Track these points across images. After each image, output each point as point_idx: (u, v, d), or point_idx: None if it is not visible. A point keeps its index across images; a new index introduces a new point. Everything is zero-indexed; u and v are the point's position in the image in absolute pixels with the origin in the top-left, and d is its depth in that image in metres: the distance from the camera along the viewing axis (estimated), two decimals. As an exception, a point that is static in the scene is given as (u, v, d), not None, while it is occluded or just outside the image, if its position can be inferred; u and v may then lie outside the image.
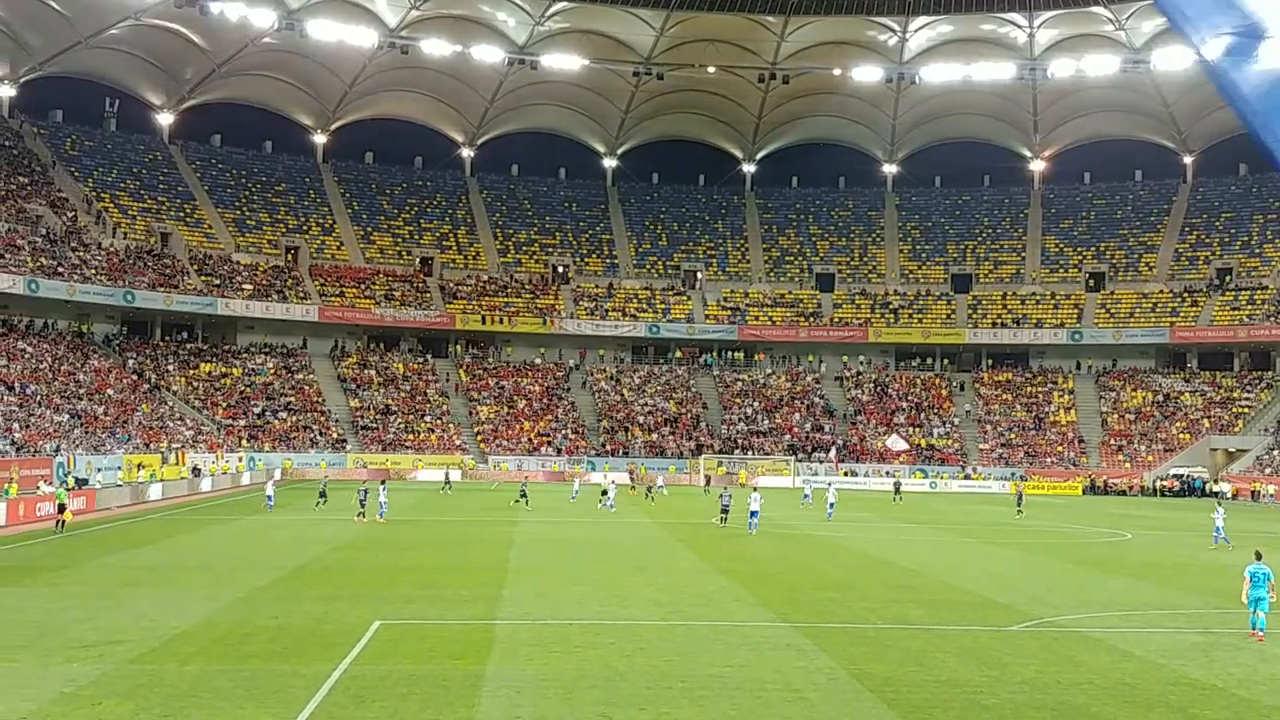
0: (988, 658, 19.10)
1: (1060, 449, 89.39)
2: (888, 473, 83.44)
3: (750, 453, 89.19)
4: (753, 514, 43.29)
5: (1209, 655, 19.77)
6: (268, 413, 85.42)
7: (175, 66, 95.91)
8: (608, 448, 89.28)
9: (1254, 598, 21.42)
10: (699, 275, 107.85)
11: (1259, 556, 22.34)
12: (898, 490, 69.45)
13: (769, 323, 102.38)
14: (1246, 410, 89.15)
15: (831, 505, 51.48)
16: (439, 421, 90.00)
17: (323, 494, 51.86)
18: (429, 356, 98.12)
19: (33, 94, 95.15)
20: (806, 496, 62.47)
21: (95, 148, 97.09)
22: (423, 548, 35.46)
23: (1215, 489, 77.13)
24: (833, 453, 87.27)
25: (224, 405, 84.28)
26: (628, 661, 18.16)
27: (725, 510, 45.18)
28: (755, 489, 54.03)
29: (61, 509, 39.89)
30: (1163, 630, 22.55)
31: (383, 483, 47.26)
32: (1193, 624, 23.32)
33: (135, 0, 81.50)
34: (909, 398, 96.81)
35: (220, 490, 64.53)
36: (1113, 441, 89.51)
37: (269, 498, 51.21)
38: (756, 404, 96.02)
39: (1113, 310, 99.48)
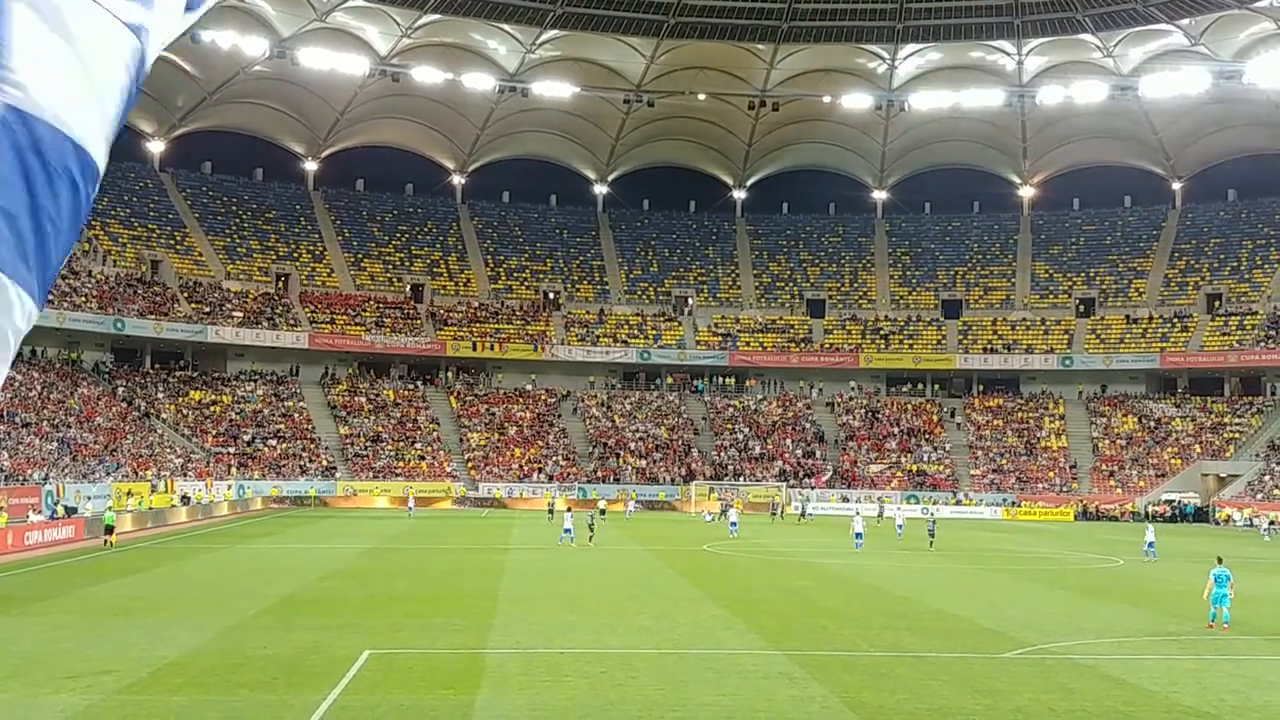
0: (980, 685, 19.04)
1: (1052, 475, 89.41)
2: (879, 499, 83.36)
3: (742, 478, 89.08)
4: (858, 535, 46.49)
5: (1201, 682, 19.74)
6: (257, 440, 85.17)
7: (166, 94, 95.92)
8: (599, 474, 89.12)
9: (1218, 595, 25.50)
10: (690, 301, 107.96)
11: (1220, 560, 26.57)
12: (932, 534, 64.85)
13: (760, 348, 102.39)
14: (1238, 435, 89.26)
15: (931, 531, 51.57)
16: (429, 449, 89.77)
17: (551, 510, 60.27)
18: (419, 383, 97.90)
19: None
20: (900, 526, 58.54)
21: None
22: (413, 576, 35.32)
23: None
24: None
25: (214, 433, 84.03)
26: (619, 691, 18.07)
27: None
28: (860, 513, 52.29)
29: (109, 530, 44.69)
30: (1155, 657, 22.52)
31: (568, 510, 52.56)
32: (1185, 651, 23.28)
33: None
34: (900, 423, 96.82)
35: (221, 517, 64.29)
36: (1104, 467, 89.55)
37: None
38: (748, 430, 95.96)
39: (1103, 336, 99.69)
